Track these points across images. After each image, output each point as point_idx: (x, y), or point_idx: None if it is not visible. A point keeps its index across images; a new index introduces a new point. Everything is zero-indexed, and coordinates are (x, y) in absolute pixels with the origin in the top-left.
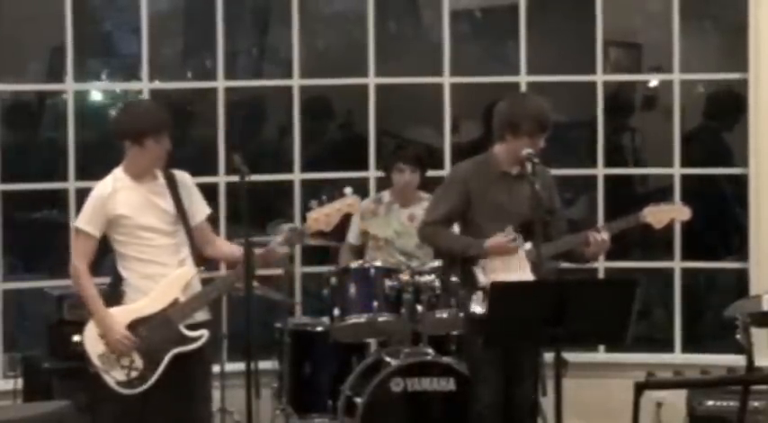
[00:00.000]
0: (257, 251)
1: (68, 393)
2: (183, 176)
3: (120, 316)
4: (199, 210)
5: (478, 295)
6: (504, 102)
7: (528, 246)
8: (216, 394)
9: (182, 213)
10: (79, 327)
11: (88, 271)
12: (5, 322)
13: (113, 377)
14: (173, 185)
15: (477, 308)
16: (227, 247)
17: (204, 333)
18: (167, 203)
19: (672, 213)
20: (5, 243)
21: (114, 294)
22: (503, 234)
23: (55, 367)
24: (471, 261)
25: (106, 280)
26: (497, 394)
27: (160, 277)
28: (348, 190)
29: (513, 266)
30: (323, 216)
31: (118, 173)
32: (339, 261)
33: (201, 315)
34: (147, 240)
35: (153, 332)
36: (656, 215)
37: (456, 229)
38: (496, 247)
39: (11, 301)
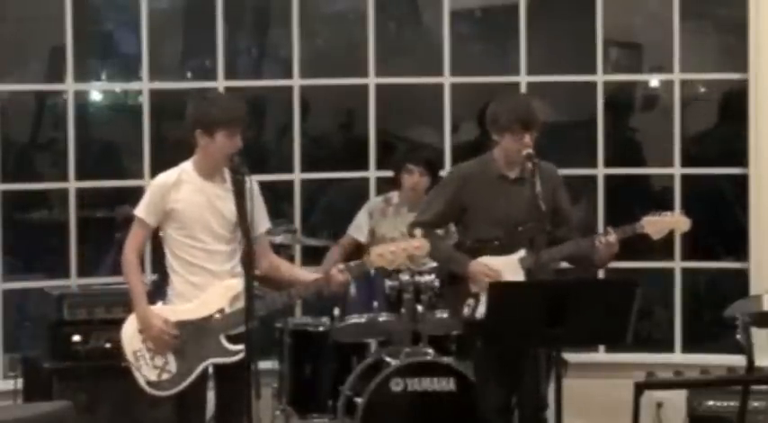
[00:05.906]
0: (313, 276)
1: (68, 393)
2: (252, 184)
3: (163, 314)
4: (261, 221)
5: (470, 301)
6: (492, 102)
7: (522, 252)
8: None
9: (244, 222)
10: (79, 327)
11: (138, 263)
12: (5, 322)
13: (144, 375)
14: (240, 191)
15: (468, 312)
16: (285, 267)
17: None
18: (229, 209)
19: (671, 224)
20: (5, 243)
21: (157, 294)
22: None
23: (55, 367)
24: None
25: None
26: (502, 397)
27: (206, 286)
28: (418, 232)
29: (505, 274)
30: (388, 253)
31: (186, 166)
32: (327, 259)
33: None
34: (200, 243)
35: (192, 338)
36: (654, 225)
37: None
38: (479, 274)
39: (11, 301)
